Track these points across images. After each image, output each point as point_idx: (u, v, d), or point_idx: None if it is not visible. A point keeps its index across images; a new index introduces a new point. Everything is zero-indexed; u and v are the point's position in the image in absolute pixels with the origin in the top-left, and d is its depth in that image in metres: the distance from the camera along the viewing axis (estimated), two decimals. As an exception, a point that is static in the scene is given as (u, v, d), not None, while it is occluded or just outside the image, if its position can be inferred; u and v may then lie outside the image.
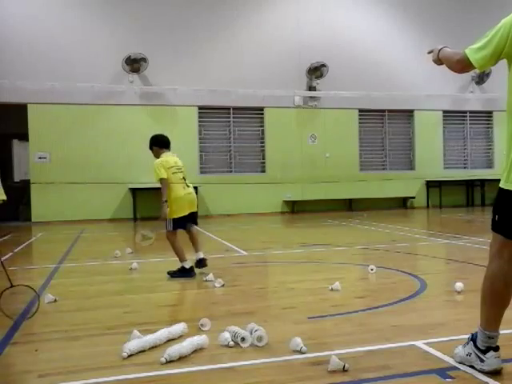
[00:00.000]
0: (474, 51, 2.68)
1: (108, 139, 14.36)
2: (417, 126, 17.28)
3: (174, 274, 5.80)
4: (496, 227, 2.71)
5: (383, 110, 16.97)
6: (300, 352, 3.08)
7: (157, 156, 6.13)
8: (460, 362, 2.85)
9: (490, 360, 2.70)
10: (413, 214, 15.26)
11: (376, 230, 10.45)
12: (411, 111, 17.26)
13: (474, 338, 2.80)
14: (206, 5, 15.18)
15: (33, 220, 13.77)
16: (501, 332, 2.77)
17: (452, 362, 2.88)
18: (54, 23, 14.13)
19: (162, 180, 5.83)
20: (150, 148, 6.24)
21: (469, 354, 2.80)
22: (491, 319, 2.73)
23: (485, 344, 2.73)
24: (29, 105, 13.87)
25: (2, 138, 14.99)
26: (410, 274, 5.60)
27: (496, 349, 2.73)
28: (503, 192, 2.68)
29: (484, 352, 2.72)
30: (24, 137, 14.19)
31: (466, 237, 8.70)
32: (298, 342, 3.13)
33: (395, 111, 17.13)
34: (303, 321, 3.85)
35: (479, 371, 2.73)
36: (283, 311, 4.18)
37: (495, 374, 2.69)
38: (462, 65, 2.75)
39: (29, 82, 13.13)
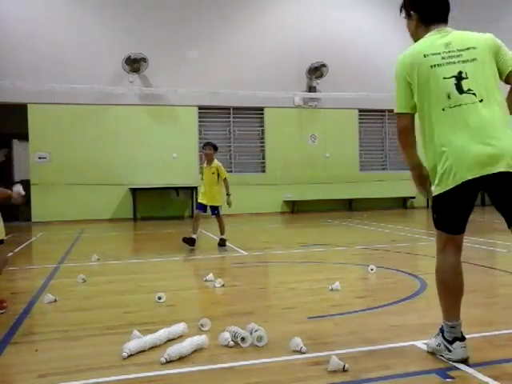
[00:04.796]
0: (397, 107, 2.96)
1: (108, 139, 14.36)
2: (417, 126, 17.24)
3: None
4: (437, 225, 2.94)
5: (383, 110, 16.96)
6: (300, 352, 3.08)
7: (212, 158, 8.14)
8: (432, 352, 3.02)
9: (457, 350, 2.86)
10: (413, 214, 15.26)
11: (376, 230, 10.45)
12: (411, 111, 17.24)
13: (442, 330, 2.97)
14: (207, 5, 15.18)
15: (33, 220, 13.78)
16: (501, 332, 2.78)
17: (452, 362, 2.88)
18: (54, 23, 14.14)
19: (226, 178, 8.17)
20: (215, 150, 8.19)
21: (438, 345, 2.97)
22: (449, 310, 2.94)
23: (451, 335, 2.89)
24: (29, 105, 13.88)
25: (1, 138, 14.99)
26: (410, 274, 5.59)
27: (462, 339, 2.88)
28: (432, 198, 2.92)
29: (451, 342, 2.89)
30: (24, 137, 14.18)
31: (465, 237, 8.68)
32: (297, 342, 3.13)
33: (395, 111, 17.11)
34: (303, 321, 3.85)
35: (447, 360, 2.88)
36: (283, 311, 4.17)
37: (462, 362, 2.83)
38: (400, 128, 3.01)
39: (29, 82, 13.11)
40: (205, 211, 8.24)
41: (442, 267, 2.95)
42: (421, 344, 3.20)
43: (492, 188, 2.78)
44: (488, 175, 2.68)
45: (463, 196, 2.79)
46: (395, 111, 2.95)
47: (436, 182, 2.82)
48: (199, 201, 8.24)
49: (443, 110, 2.78)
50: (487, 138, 2.69)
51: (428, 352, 3.04)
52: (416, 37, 3.05)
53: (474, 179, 2.69)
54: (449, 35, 2.88)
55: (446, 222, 2.89)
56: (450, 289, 2.94)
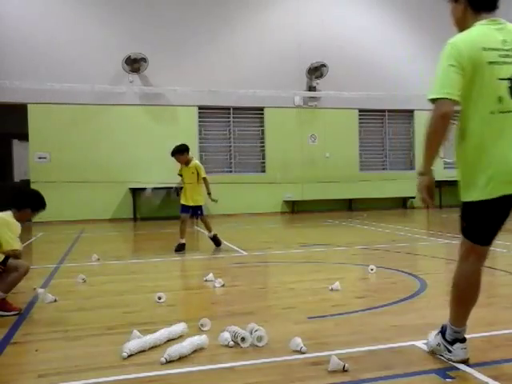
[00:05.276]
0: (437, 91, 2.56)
1: (108, 139, 14.36)
2: (417, 126, 17.26)
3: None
4: (465, 233, 2.78)
5: (383, 110, 16.96)
6: (300, 352, 3.07)
7: (187, 161, 7.88)
8: (432, 352, 3.00)
9: (457, 351, 2.84)
10: (413, 214, 15.25)
11: (376, 230, 10.44)
12: (411, 111, 17.25)
13: (443, 331, 2.93)
14: (207, 5, 15.18)
15: (33, 220, 13.72)
16: (501, 332, 2.78)
17: (452, 362, 2.88)
18: (53, 23, 14.14)
19: (206, 178, 7.89)
20: (184, 152, 7.84)
21: (438, 345, 2.94)
22: (459, 316, 2.86)
23: (452, 337, 2.87)
24: (29, 105, 13.87)
25: (2, 138, 15.00)
26: (410, 273, 5.60)
27: (463, 340, 2.85)
28: (463, 204, 2.75)
29: (451, 343, 2.86)
30: (24, 137, 14.18)
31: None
32: (297, 341, 3.13)
33: (395, 111, 17.12)
34: (303, 321, 3.85)
35: (447, 360, 2.86)
36: (283, 311, 4.17)
37: (462, 363, 2.81)
38: (440, 115, 2.54)
39: (29, 82, 13.11)
40: (190, 213, 8.07)
41: (461, 275, 2.81)
42: (421, 344, 3.19)
43: None
44: None
45: (498, 209, 2.64)
46: (438, 96, 2.55)
47: (473, 187, 2.64)
48: (183, 203, 7.93)
49: (491, 113, 2.56)
50: None
51: (428, 352, 3.03)
52: (462, 25, 2.72)
53: None
54: (505, 29, 2.62)
55: (475, 232, 2.73)
56: (465, 298, 2.84)
